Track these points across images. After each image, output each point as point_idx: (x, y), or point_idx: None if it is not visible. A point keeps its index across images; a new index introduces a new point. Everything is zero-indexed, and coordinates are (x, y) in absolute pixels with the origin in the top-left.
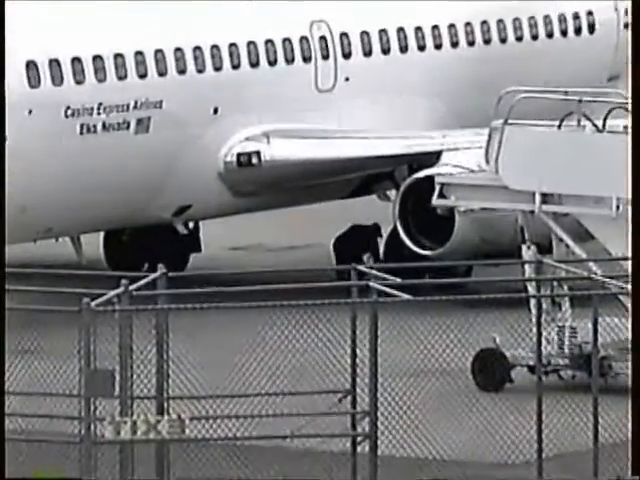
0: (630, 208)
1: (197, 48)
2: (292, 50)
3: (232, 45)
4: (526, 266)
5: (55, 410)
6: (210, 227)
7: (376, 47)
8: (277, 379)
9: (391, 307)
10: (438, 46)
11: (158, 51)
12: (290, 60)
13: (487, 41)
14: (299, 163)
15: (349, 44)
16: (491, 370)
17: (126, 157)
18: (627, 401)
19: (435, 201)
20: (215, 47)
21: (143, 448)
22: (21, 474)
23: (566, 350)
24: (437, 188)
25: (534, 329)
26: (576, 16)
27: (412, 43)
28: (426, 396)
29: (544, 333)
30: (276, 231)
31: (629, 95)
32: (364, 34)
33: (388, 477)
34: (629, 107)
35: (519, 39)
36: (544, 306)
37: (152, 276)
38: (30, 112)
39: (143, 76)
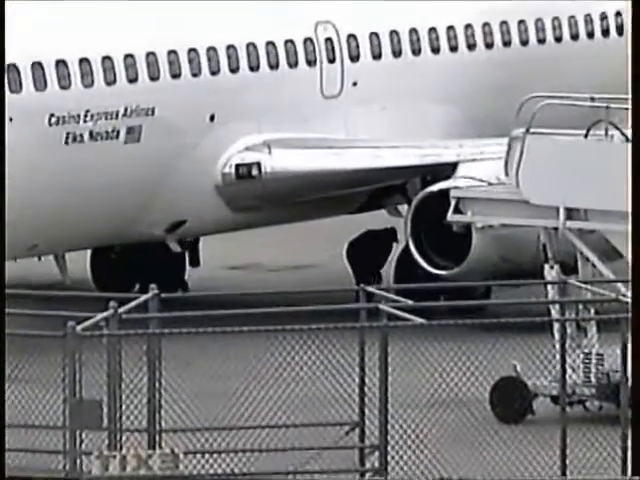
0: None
1: (192, 50)
2: (295, 53)
3: (230, 47)
4: (549, 287)
5: (37, 444)
6: (206, 244)
7: (386, 49)
8: (279, 410)
9: (402, 332)
10: (453, 48)
11: (150, 53)
12: (293, 63)
13: (507, 43)
14: (302, 175)
15: (357, 46)
16: (511, 400)
17: (115, 168)
18: None
19: (450, 217)
20: (212, 49)
21: None
22: None
23: (592, 379)
24: (453, 203)
25: (557, 356)
26: (603, 17)
27: (425, 45)
28: (440, 429)
29: (568, 360)
30: (278, 249)
31: None
32: (373, 35)
33: None
34: None
35: (541, 41)
36: (569, 331)
37: (143, 297)
38: (11, 120)
39: (134, 80)
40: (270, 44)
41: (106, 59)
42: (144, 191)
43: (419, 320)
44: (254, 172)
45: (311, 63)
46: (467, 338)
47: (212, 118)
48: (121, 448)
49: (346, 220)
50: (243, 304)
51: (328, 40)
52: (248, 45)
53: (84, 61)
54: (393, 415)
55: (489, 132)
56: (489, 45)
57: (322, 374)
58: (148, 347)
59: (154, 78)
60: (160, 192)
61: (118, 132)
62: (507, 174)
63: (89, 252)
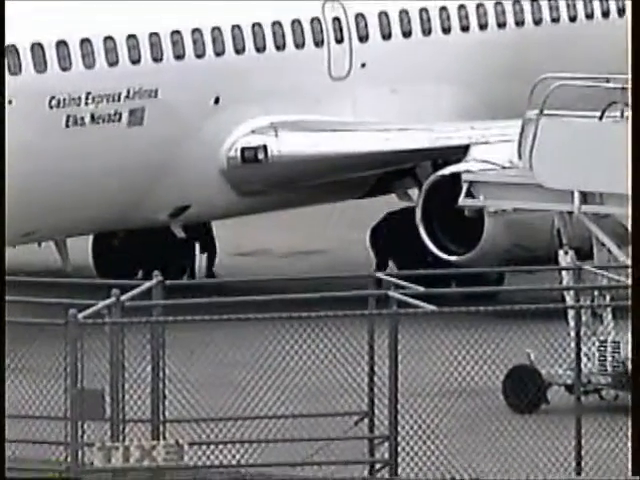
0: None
1: (196, 30)
2: (302, 33)
3: (235, 27)
4: (564, 273)
5: (38, 435)
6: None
7: (396, 29)
8: (286, 400)
9: (413, 319)
10: (465, 28)
11: (153, 34)
12: (300, 44)
13: (519, 22)
14: (310, 158)
15: (366, 26)
16: (525, 390)
17: (118, 152)
18: None
19: (462, 201)
20: (216, 29)
21: (137, 477)
22: None
23: (608, 367)
24: (464, 187)
25: (572, 344)
26: None
27: (436, 25)
28: (452, 419)
29: (584, 348)
30: (285, 234)
31: None
32: (382, 15)
33: None
34: None
35: (555, 20)
36: (584, 318)
37: (147, 285)
38: (10, 102)
39: (136, 62)
40: (276, 24)
41: (108, 40)
42: (147, 175)
43: (430, 307)
44: (260, 155)
45: (318, 44)
46: (479, 326)
47: (217, 100)
48: (124, 439)
49: (356, 204)
50: (250, 291)
51: (336, 20)
52: (254, 25)
53: (85, 42)
54: (403, 405)
55: (502, 114)
56: (502, 25)
57: (330, 363)
58: (152, 335)
59: (157, 59)
60: (164, 176)
61: (120, 115)
62: (520, 157)
63: (91, 238)
